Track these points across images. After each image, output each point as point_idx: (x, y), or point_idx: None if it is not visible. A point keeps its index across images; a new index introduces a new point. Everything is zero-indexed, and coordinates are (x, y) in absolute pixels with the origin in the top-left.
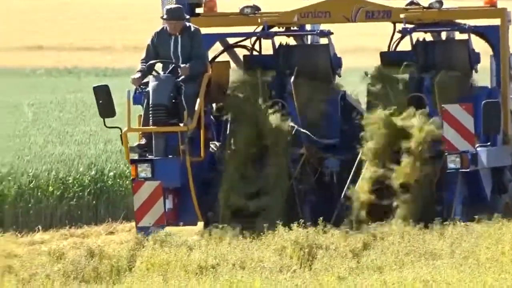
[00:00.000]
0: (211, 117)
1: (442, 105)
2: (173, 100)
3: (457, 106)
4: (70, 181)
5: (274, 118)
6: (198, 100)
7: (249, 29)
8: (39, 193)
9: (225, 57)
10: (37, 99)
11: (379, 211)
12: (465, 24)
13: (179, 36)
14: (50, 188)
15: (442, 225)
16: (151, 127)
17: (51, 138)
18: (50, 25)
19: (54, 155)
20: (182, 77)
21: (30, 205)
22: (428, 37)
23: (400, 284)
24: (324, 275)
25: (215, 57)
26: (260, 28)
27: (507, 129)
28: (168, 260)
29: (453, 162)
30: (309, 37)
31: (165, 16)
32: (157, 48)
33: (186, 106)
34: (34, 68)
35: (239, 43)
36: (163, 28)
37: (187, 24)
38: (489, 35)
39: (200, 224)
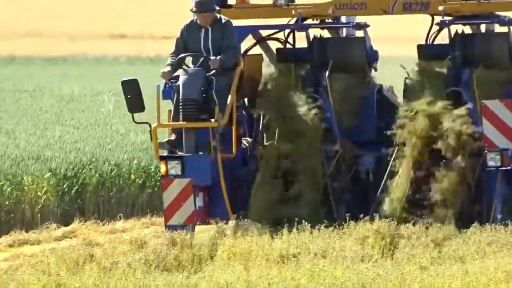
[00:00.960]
0: (243, 112)
1: (482, 101)
2: (204, 95)
3: (497, 102)
4: (152, 170)
5: (308, 114)
6: (230, 95)
7: (283, 21)
8: (121, 182)
9: (257, 50)
10: (118, 87)
11: (416, 207)
12: (505, 17)
13: (210, 29)
14: (132, 177)
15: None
16: (181, 122)
17: (133, 127)
18: (133, 14)
19: (135, 143)
20: (213, 71)
21: (111, 193)
22: (467, 30)
23: (481, 274)
24: (406, 265)
25: (247, 50)
26: (294, 20)
27: None
28: (249, 249)
29: (493, 160)
30: (344, 29)
31: (194, 9)
32: (186, 42)
33: (217, 101)
34: (117, 56)
35: (272, 36)
36: (192, 20)
37: (218, 16)
38: None
39: (232, 222)
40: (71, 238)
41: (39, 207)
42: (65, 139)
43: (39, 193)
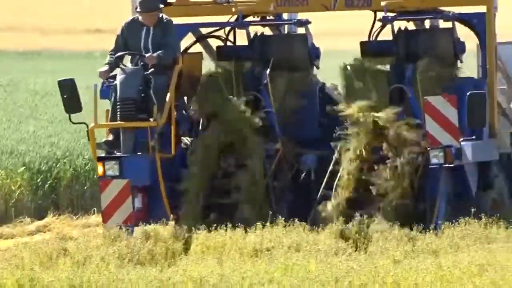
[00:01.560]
0: (183, 111)
1: (424, 97)
2: (142, 94)
3: (440, 98)
4: None
5: (247, 112)
6: (168, 93)
7: (223, 18)
8: (95, 176)
9: (198, 48)
10: (93, 82)
11: (359, 206)
12: (449, 12)
13: (151, 28)
14: None
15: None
16: (119, 122)
17: None
18: (108, 8)
19: None
20: (151, 69)
21: (85, 188)
22: (411, 26)
23: (455, 268)
24: (379, 258)
25: (187, 48)
26: (235, 17)
27: (494, 122)
28: (223, 242)
29: (436, 157)
30: (286, 26)
31: (139, 9)
32: (126, 40)
33: (155, 100)
34: (92, 51)
35: (212, 34)
36: (133, 18)
37: (160, 14)
38: (475, 23)
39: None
40: (44, 232)
41: (12, 201)
42: (39, 133)
43: (13, 187)
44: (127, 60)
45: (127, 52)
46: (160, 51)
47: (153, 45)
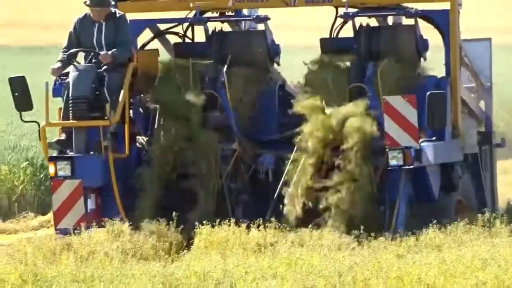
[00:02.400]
0: (140, 109)
1: (383, 97)
2: (96, 92)
3: (399, 98)
4: None
5: (203, 111)
6: (122, 91)
7: (182, 14)
8: None
9: (155, 45)
10: None
11: (315, 213)
12: (411, 8)
13: (103, 23)
14: None
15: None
16: (70, 121)
17: None
18: None
19: None
20: (105, 67)
21: None
22: (374, 22)
23: (458, 262)
24: (383, 253)
25: (145, 44)
26: (193, 13)
27: (458, 121)
28: (226, 238)
29: (395, 159)
30: (246, 23)
31: (88, 2)
32: (79, 36)
33: (109, 98)
34: None
35: (170, 30)
36: (86, 14)
37: (113, 10)
38: (438, 20)
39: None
40: (48, 227)
41: (16, 196)
42: None
43: (16, 183)
44: (81, 58)
45: (80, 49)
46: (114, 50)
47: (106, 42)
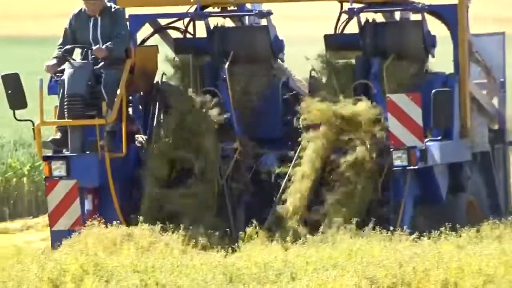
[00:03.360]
0: (140, 107)
1: (387, 95)
2: (92, 90)
3: (403, 96)
4: None
5: (204, 109)
6: (119, 89)
7: (183, 9)
8: None
9: (154, 41)
10: None
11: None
12: (418, 3)
13: (99, 18)
14: None
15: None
16: (66, 120)
17: None
18: None
19: None
20: (101, 63)
21: None
22: (380, 18)
23: None
24: (443, 244)
25: (145, 40)
26: (194, 8)
27: (466, 120)
28: None
29: (399, 159)
30: (249, 18)
31: None
32: (74, 32)
33: (106, 96)
34: None
35: (170, 25)
36: (81, 9)
37: (108, 3)
38: (446, 15)
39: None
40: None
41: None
42: None
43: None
44: (78, 55)
45: (75, 45)
46: (109, 43)
47: (103, 37)
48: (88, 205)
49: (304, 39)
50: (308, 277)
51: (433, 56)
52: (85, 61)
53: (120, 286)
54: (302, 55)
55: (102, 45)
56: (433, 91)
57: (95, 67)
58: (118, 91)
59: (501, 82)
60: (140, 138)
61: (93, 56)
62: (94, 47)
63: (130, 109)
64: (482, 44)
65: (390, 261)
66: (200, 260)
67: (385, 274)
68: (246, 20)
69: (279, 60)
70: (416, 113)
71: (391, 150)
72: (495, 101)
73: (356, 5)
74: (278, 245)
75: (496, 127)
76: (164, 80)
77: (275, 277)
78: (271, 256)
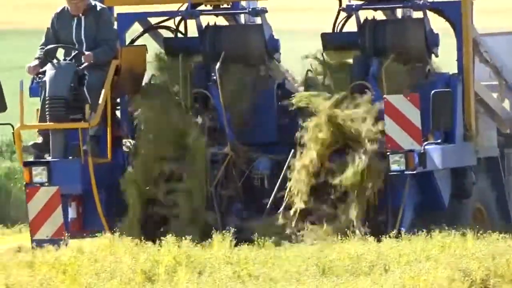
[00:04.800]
0: (129, 110)
1: (384, 96)
2: (75, 92)
3: (401, 97)
4: None
5: (193, 112)
6: (103, 91)
7: (173, 7)
8: None
9: (142, 41)
10: None
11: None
12: (420, 0)
13: (83, 17)
14: None
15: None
16: (47, 123)
17: None
18: None
19: None
20: (85, 64)
21: None
22: (380, 16)
23: None
24: None
25: (134, 40)
26: (185, 6)
27: (471, 122)
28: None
29: (396, 163)
30: (244, 16)
31: None
32: (57, 32)
33: (89, 98)
34: None
35: (161, 24)
36: (64, 8)
37: (93, 2)
38: (449, 12)
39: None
40: None
41: None
42: None
43: None
44: (61, 55)
45: (58, 45)
46: (97, 50)
47: (87, 37)
48: (72, 213)
49: (299, 32)
50: (401, 269)
51: (437, 56)
52: (68, 62)
53: (213, 278)
54: (297, 50)
55: (86, 45)
56: (433, 91)
57: (78, 68)
58: (103, 93)
59: None
60: (128, 142)
61: (74, 55)
62: (85, 53)
63: (118, 112)
64: (493, 44)
65: (483, 253)
66: (293, 252)
67: (478, 266)
68: (242, 18)
69: (275, 61)
70: (414, 115)
71: (388, 153)
72: (506, 104)
73: (355, 2)
74: (371, 237)
75: (508, 131)
76: (153, 81)
77: (368, 269)
78: (364, 248)
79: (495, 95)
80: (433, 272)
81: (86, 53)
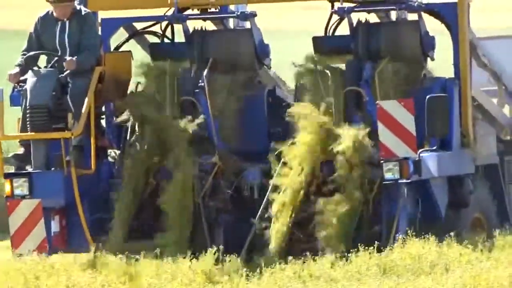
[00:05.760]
0: (114, 119)
1: (377, 102)
2: (58, 100)
3: (394, 102)
4: None
5: (180, 120)
6: (87, 99)
7: (160, 12)
8: None
9: (127, 47)
10: None
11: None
12: (414, 1)
13: (67, 22)
14: None
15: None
16: (28, 133)
17: None
18: None
19: None
20: (68, 71)
21: None
22: (374, 18)
23: None
24: None
25: (119, 46)
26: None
27: (468, 129)
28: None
29: (390, 172)
30: (234, 21)
31: None
32: (40, 37)
33: (72, 107)
34: None
35: (147, 29)
36: (48, 12)
37: (78, 7)
38: (445, 14)
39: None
40: None
41: None
42: None
43: None
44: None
45: (39, 51)
46: (79, 55)
47: (70, 43)
48: (55, 227)
49: (290, 32)
50: (462, 269)
51: (433, 59)
52: (50, 69)
53: (274, 278)
54: (288, 50)
55: (70, 51)
56: (428, 96)
57: (61, 76)
58: (86, 101)
59: None
60: (113, 153)
61: (55, 61)
62: (67, 58)
63: (103, 121)
64: (492, 48)
65: None
66: (354, 253)
67: None
68: (231, 23)
69: (265, 66)
70: (408, 121)
71: (382, 162)
72: (506, 109)
73: (347, 4)
74: (432, 237)
75: (508, 137)
76: (138, 89)
77: (429, 268)
78: (425, 248)
79: (495, 100)
80: (494, 272)
81: (68, 58)
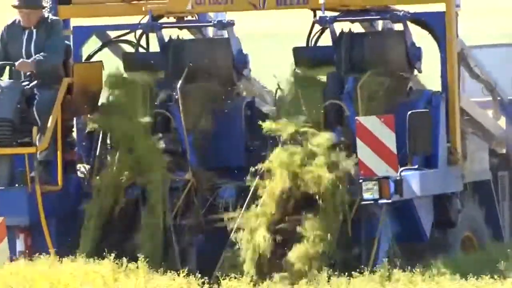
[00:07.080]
0: (86, 133)
1: (356, 117)
2: (23, 114)
3: (374, 118)
4: None
5: (150, 134)
6: (53, 112)
7: (135, 19)
8: None
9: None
10: None
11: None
12: (400, 11)
13: (34, 30)
14: None
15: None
16: None
17: None
18: None
19: None
20: (34, 82)
21: None
22: (359, 28)
23: None
24: None
25: (91, 55)
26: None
27: (456, 144)
28: None
29: (369, 192)
30: (212, 30)
31: (16, 3)
32: (6, 47)
33: (38, 120)
34: None
35: (120, 38)
36: (15, 20)
37: (46, 14)
38: (432, 24)
39: None
40: None
41: None
42: None
43: None
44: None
45: (4, 62)
46: (38, 55)
47: (37, 52)
48: (20, 246)
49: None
50: None
51: (420, 71)
52: (14, 80)
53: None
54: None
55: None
56: (409, 113)
57: (26, 87)
58: (52, 114)
59: (510, 100)
60: (82, 168)
61: (14, 69)
62: (19, 60)
63: (74, 134)
64: (484, 57)
65: None
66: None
67: None
68: (209, 32)
69: (243, 77)
70: (389, 138)
71: (360, 181)
72: (502, 121)
73: (330, 14)
74: None
75: (503, 151)
76: (110, 100)
77: None
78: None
79: (489, 112)
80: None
81: (19, 60)
